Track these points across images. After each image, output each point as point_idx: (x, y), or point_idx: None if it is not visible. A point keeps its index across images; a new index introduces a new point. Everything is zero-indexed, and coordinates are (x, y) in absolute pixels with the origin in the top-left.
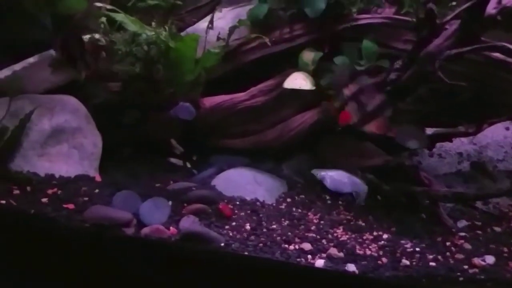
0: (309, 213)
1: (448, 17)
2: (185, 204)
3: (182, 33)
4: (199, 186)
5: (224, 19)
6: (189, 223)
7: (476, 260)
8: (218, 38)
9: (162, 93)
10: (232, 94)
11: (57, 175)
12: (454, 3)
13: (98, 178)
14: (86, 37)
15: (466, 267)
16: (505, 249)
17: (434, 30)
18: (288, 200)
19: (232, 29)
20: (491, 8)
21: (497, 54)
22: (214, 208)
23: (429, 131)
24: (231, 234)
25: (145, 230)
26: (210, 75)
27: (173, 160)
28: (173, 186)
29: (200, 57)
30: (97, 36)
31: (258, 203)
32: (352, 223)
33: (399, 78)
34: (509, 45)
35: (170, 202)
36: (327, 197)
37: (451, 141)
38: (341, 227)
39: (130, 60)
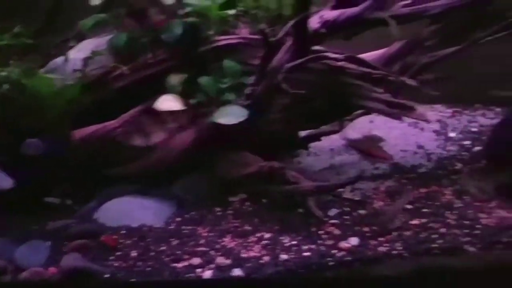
0: (198, 228)
1: (279, 34)
2: (66, 242)
3: (43, 69)
4: (80, 221)
5: (84, 50)
6: (70, 260)
7: (342, 244)
8: (75, 70)
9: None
10: (104, 123)
11: None
12: None
13: None
14: None
15: (335, 251)
16: (367, 229)
17: (271, 47)
18: (178, 219)
19: (86, 60)
20: (315, 23)
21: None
22: (97, 241)
23: (303, 133)
24: (116, 264)
25: (24, 274)
26: (76, 107)
27: (49, 199)
28: (51, 226)
29: (59, 91)
30: None
31: (145, 228)
32: (239, 229)
33: (254, 92)
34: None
35: (49, 243)
36: (218, 209)
37: (320, 140)
38: (229, 235)
39: None
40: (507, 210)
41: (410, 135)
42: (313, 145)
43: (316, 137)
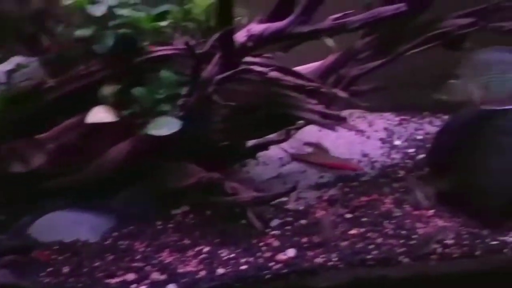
0: (136, 243)
1: (205, 47)
2: None
3: None
4: (12, 236)
5: (11, 62)
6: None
7: (280, 256)
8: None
9: None
10: (35, 136)
11: None
12: None
13: None
14: None
15: (272, 263)
16: (306, 240)
17: (198, 59)
18: (115, 234)
19: (9, 73)
20: (242, 37)
21: (273, 73)
22: (29, 257)
23: (250, 143)
24: (47, 280)
25: None
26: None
27: None
28: None
29: None
30: None
31: (79, 243)
32: (178, 243)
33: (187, 103)
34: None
35: None
36: (158, 223)
37: (267, 149)
38: (167, 250)
39: None
40: (444, 219)
41: (356, 143)
42: (262, 154)
43: (264, 147)
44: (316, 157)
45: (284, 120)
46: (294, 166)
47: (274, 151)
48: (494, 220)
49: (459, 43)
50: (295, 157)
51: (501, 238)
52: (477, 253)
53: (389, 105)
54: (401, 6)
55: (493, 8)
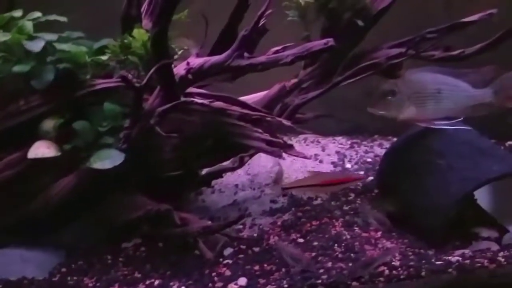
0: (85, 278)
1: (144, 80)
2: None
3: None
4: None
5: None
6: None
7: (231, 285)
8: None
9: None
10: None
11: None
12: None
13: None
14: None
15: None
16: (257, 268)
17: (138, 92)
18: (63, 270)
19: None
20: (181, 69)
21: (219, 103)
22: None
23: (205, 171)
24: None
25: None
26: None
27: None
28: None
29: None
30: None
31: (26, 281)
32: (129, 277)
33: (129, 135)
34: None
35: None
36: (108, 257)
37: (222, 177)
38: (116, 285)
39: None
40: (391, 240)
41: (310, 167)
42: (218, 181)
43: (218, 174)
44: (315, 179)
45: (235, 148)
46: (249, 192)
47: (230, 178)
48: (437, 240)
49: (395, 71)
50: (286, 188)
51: (446, 257)
52: (423, 273)
53: (341, 129)
54: (330, 41)
55: (420, 38)
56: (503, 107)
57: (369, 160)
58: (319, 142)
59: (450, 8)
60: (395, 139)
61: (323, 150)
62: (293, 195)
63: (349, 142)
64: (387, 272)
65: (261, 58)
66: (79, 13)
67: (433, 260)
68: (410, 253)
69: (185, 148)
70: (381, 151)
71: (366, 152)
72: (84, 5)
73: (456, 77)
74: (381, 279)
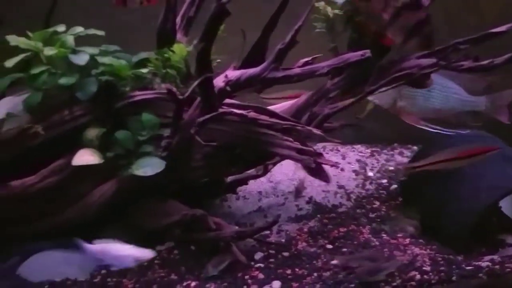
0: (124, 280)
1: (187, 93)
2: None
3: None
4: (2, 277)
5: (1, 109)
6: None
7: None
8: None
9: None
10: (21, 179)
11: None
12: None
13: None
14: None
15: None
16: (289, 272)
17: (180, 104)
18: (103, 271)
19: (1, 122)
20: (220, 82)
21: (251, 114)
22: None
23: (230, 178)
24: None
25: None
26: None
27: None
28: None
29: None
30: None
31: (69, 282)
32: (165, 279)
33: (170, 144)
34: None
35: None
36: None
37: (247, 184)
38: (155, 286)
39: None
40: (419, 246)
41: (331, 175)
42: (242, 188)
43: (243, 181)
44: (450, 153)
45: (263, 156)
46: (273, 199)
47: (254, 185)
48: (463, 246)
49: (423, 81)
50: (418, 166)
51: (475, 263)
52: (454, 278)
53: (360, 137)
54: (366, 52)
55: (452, 49)
56: (492, 119)
57: (391, 168)
58: (339, 151)
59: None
60: (415, 147)
61: (344, 158)
62: (317, 202)
63: (368, 151)
64: (418, 276)
65: (296, 70)
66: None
67: (463, 265)
68: (439, 259)
69: (215, 156)
70: (402, 159)
71: (387, 160)
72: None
73: (452, 79)
74: (413, 283)
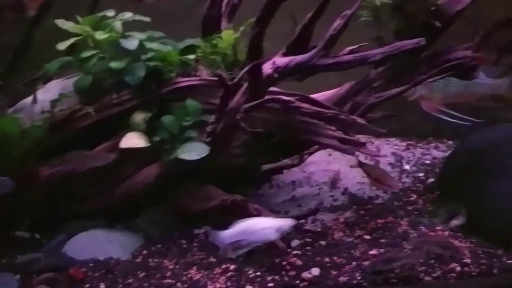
0: (165, 261)
1: (236, 79)
2: (35, 276)
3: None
4: (48, 255)
5: (50, 91)
6: None
7: (305, 274)
8: (43, 111)
9: None
10: None
11: None
12: None
13: None
14: None
15: (297, 282)
16: (328, 260)
17: (229, 90)
18: (144, 252)
19: (54, 102)
20: (268, 68)
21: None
22: (65, 275)
23: (266, 166)
24: None
25: None
26: (42, 146)
27: (19, 233)
28: (20, 260)
29: (24, 131)
30: None
31: (112, 261)
32: (205, 261)
33: (215, 130)
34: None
35: (18, 276)
36: (183, 242)
37: (282, 173)
38: (195, 267)
39: None
40: (459, 239)
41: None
42: (276, 177)
43: (278, 170)
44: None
45: (300, 146)
46: (307, 189)
47: (288, 175)
48: (505, 241)
49: (471, 72)
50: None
51: None
52: (495, 271)
53: (394, 130)
54: (421, 40)
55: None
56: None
57: (427, 162)
58: (373, 143)
59: None
60: (450, 142)
61: (379, 151)
62: (353, 194)
63: (404, 144)
64: (458, 268)
65: (348, 57)
66: None
67: (503, 258)
68: (480, 252)
69: (253, 144)
70: (438, 154)
71: (423, 154)
72: None
73: None
74: (453, 275)
